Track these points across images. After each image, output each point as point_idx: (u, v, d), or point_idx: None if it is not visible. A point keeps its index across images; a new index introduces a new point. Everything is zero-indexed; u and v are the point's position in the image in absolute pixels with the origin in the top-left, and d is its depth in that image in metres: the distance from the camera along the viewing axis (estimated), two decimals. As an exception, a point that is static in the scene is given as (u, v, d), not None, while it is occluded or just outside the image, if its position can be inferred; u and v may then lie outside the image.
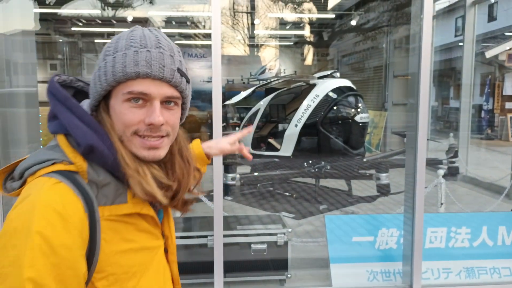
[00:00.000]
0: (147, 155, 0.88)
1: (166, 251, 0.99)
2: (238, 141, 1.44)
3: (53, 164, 0.82)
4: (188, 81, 0.91)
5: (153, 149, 0.88)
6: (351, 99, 6.45)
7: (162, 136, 0.89)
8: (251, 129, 1.89)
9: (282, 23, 12.59)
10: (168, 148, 0.92)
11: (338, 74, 7.16)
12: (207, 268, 2.94)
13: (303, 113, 6.15)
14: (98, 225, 0.81)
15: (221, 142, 1.42)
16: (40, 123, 3.65)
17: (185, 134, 1.00)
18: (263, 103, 7.13)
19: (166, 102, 0.88)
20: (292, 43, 13.08)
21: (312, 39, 12.68)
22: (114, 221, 0.84)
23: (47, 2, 8.08)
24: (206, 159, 1.38)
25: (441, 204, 4.37)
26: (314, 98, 6.20)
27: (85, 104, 0.91)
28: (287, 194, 6.22)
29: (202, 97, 9.08)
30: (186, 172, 0.96)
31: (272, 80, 8.04)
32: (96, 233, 0.80)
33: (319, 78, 6.80)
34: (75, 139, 0.84)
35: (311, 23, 12.31)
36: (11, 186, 0.86)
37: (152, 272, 0.91)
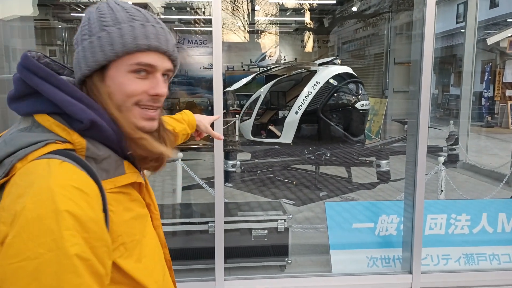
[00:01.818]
0: (146, 125, 0.91)
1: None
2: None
3: (46, 145, 0.79)
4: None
5: (151, 120, 0.92)
6: (352, 86, 6.43)
7: (158, 107, 0.93)
8: (221, 116, 2.14)
9: (283, 9, 12.47)
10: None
11: (338, 61, 7.13)
12: (208, 254, 2.96)
13: (303, 100, 6.14)
14: (105, 198, 0.80)
15: (206, 122, 1.55)
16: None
17: None
18: (263, 90, 7.11)
19: (163, 75, 0.92)
20: (292, 30, 12.98)
21: (312, 26, 12.58)
22: (115, 193, 0.85)
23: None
24: (194, 128, 1.48)
25: (441, 191, 4.38)
26: (314, 85, 6.18)
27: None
28: (288, 181, 6.24)
29: (202, 84, 9.03)
30: (168, 138, 1.00)
31: (273, 67, 7.99)
32: (106, 205, 0.80)
33: (320, 65, 6.76)
34: (70, 117, 0.82)
35: (311, 9, 12.19)
36: None
37: (148, 238, 0.93)
